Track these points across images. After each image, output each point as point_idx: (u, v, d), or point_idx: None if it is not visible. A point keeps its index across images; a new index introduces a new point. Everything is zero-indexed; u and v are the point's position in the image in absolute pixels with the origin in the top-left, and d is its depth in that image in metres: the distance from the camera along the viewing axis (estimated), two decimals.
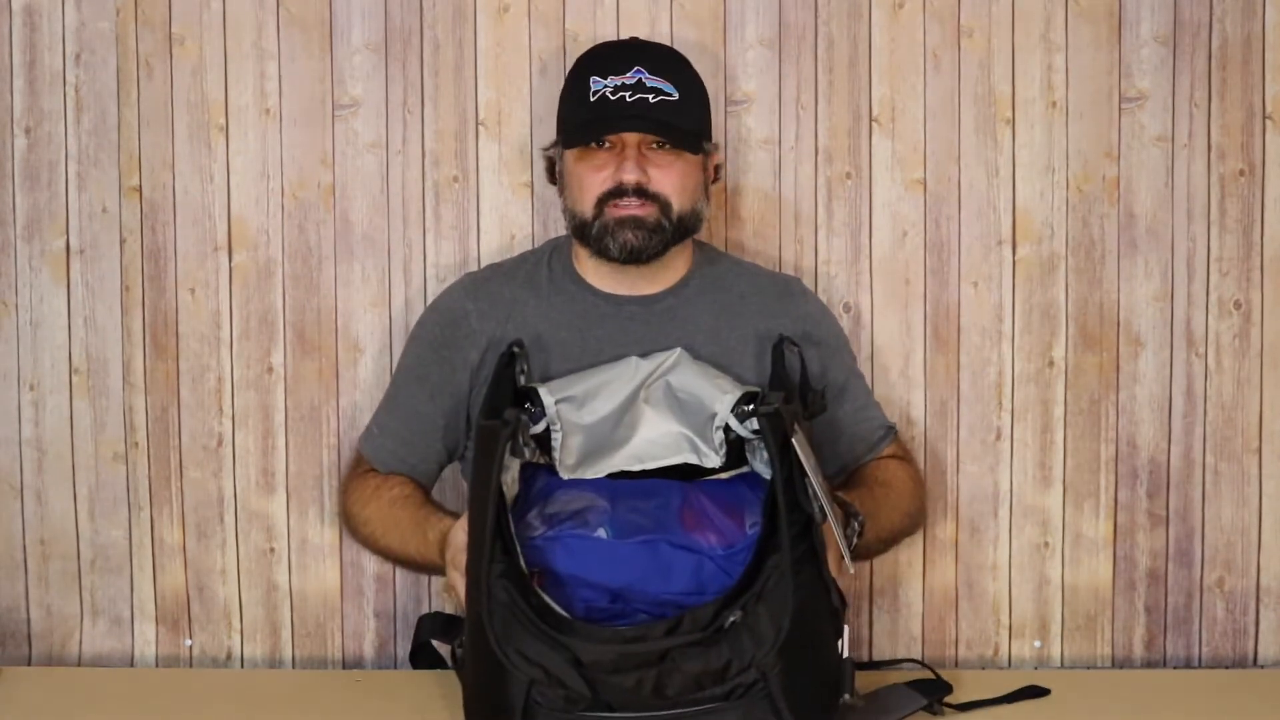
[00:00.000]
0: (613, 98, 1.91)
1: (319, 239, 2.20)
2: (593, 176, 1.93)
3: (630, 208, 1.91)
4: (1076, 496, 2.21)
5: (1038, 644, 2.22)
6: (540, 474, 1.81)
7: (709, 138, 1.99)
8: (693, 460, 1.80)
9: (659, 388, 1.83)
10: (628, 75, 1.93)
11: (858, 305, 2.20)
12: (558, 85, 2.16)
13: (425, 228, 2.20)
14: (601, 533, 1.73)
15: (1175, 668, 2.22)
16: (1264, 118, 2.18)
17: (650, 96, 1.91)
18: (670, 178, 1.92)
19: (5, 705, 1.93)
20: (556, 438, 1.80)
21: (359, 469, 2.06)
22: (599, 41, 2.14)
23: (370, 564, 2.22)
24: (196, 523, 2.22)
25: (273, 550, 2.22)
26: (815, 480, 1.66)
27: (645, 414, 1.81)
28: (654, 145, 1.92)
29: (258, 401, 2.21)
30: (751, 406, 1.77)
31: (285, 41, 2.19)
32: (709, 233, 2.18)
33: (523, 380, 1.86)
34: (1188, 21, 2.17)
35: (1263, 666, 2.22)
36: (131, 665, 2.23)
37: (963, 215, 2.19)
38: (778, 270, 2.16)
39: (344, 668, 2.23)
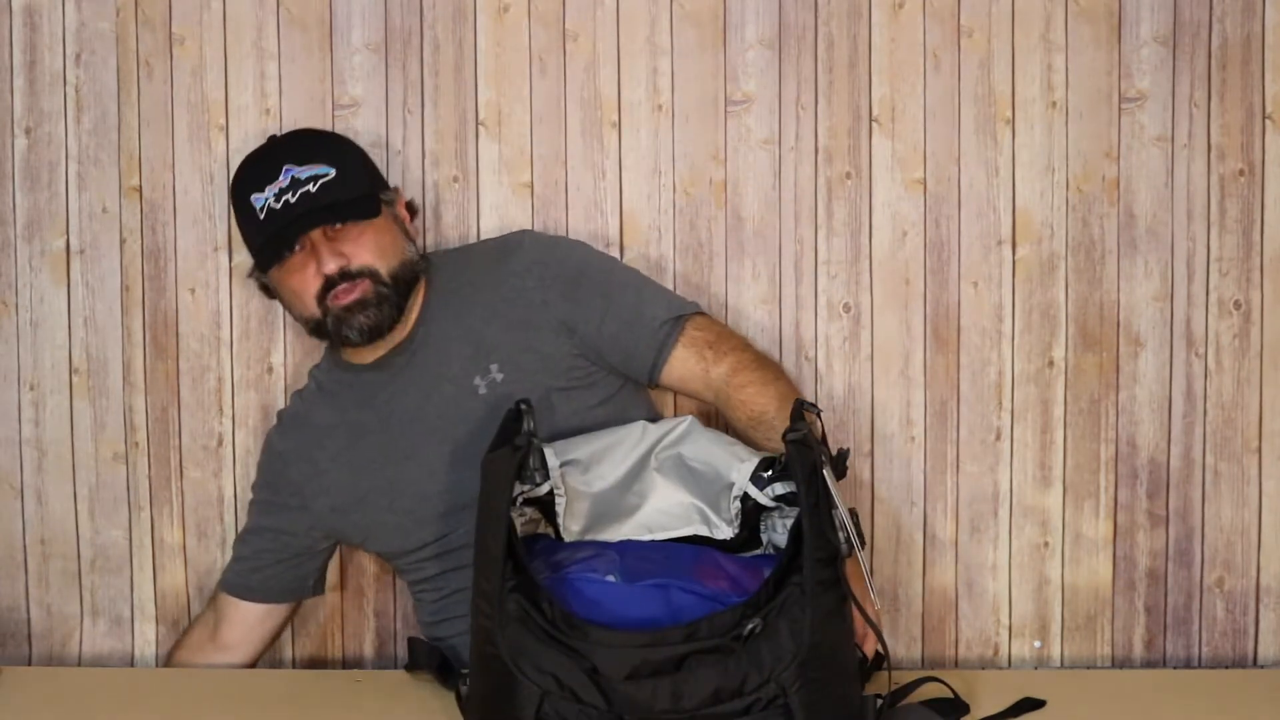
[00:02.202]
0: (277, 206, 1.94)
1: None
2: (300, 282, 1.97)
3: (347, 294, 1.95)
4: (1076, 496, 2.21)
5: (1038, 644, 2.22)
6: (542, 539, 1.80)
7: (384, 188, 2.03)
8: (703, 532, 1.78)
9: (671, 457, 1.81)
10: (280, 180, 1.95)
11: (858, 305, 2.20)
12: (558, 85, 2.17)
13: (425, 228, 2.19)
14: (611, 578, 1.68)
15: (1175, 668, 2.22)
16: (1264, 118, 2.18)
17: (310, 187, 1.94)
18: (365, 248, 1.96)
19: (5, 705, 1.92)
20: (560, 503, 1.78)
21: (200, 617, 2.17)
22: (601, 41, 2.15)
23: (370, 564, 2.22)
24: (196, 523, 2.22)
25: None
26: (844, 513, 1.65)
27: (656, 483, 1.80)
28: (335, 227, 1.95)
29: (258, 401, 2.21)
30: (771, 472, 1.76)
31: (285, 41, 2.19)
32: (708, 233, 2.18)
33: (530, 439, 1.77)
34: (1188, 21, 2.17)
35: (1263, 666, 2.22)
36: (131, 665, 2.23)
37: (963, 215, 2.19)
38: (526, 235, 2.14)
39: (344, 668, 2.22)
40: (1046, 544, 2.21)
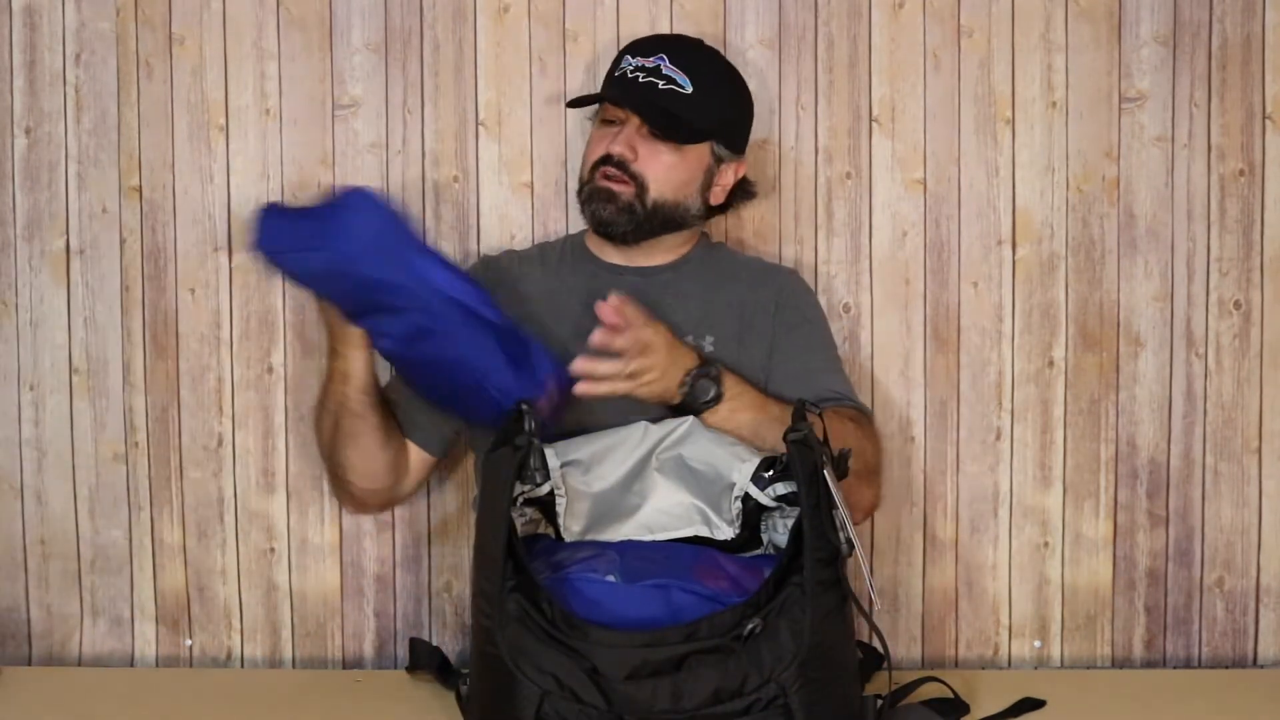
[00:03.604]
0: (629, 77, 1.98)
1: None
2: (597, 143, 2.01)
3: (610, 180, 1.98)
4: (1076, 496, 2.21)
5: (1038, 644, 2.22)
6: (542, 539, 1.80)
7: (725, 140, 2.03)
8: (704, 533, 1.78)
9: (672, 458, 1.81)
10: (649, 59, 1.98)
11: (858, 305, 2.20)
12: (558, 85, 2.17)
13: (425, 228, 2.19)
14: (611, 578, 1.68)
15: (1175, 668, 2.22)
16: (1264, 118, 2.18)
17: (660, 83, 1.97)
18: (656, 164, 1.98)
19: (5, 705, 1.93)
20: (561, 503, 1.78)
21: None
22: (601, 41, 2.15)
23: (370, 564, 2.22)
24: (196, 523, 2.22)
25: (273, 550, 2.22)
26: (844, 513, 1.65)
27: (657, 483, 1.80)
28: (652, 130, 1.98)
29: (258, 401, 2.21)
30: (772, 472, 1.76)
31: (285, 41, 2.19)
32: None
33: (530, 439, 1.75)
34: (1188, 21, 2.17)
35: (1262, 666, 2.22)
36: (131, 665, 2.23)
37: (963, 215, 2.19)
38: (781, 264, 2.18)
39: (344, 668, 2.22)
40: (1046, 544, 2.21)
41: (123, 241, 2.21)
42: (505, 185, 2.20)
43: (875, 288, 2.20)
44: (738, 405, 1.88)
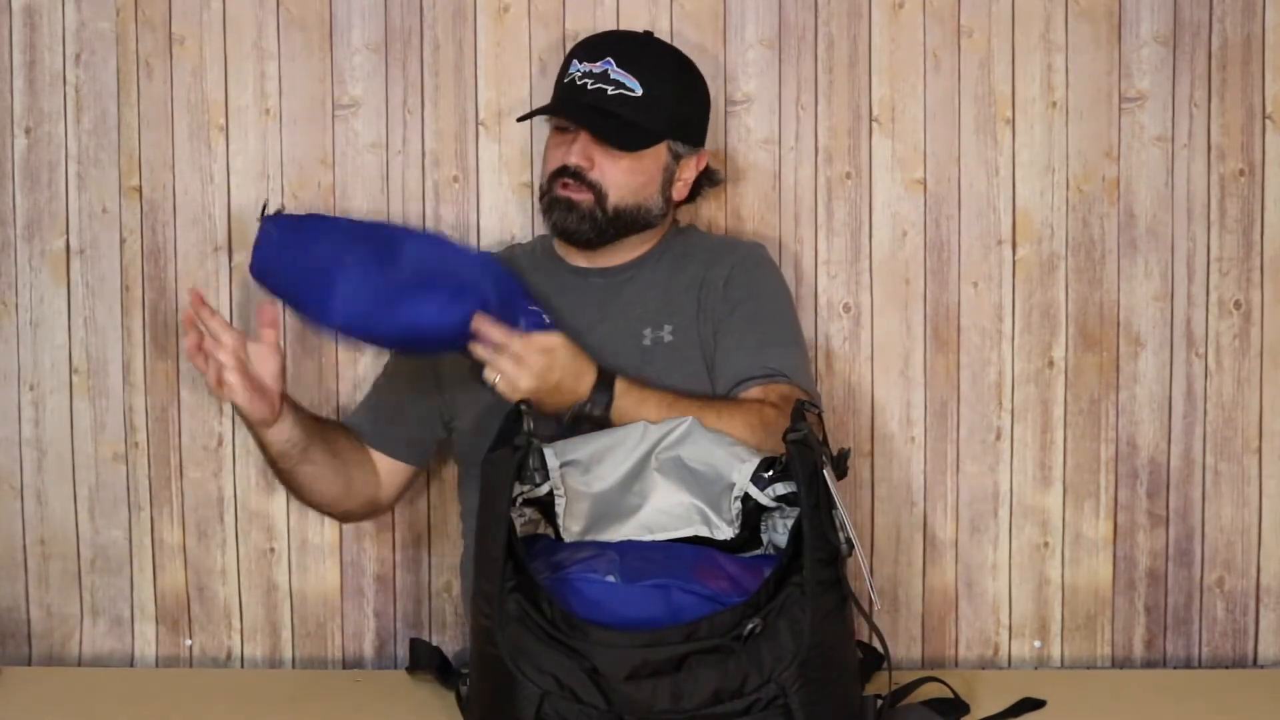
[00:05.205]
0: (578, 84, 1.97)
1: None
2: (554, 153, 2.01)
3: (569, 190, 1.98)
4: (1076, 496, 2.21)
5: (1038, 644, 2.22)
6: (541, 539, 1.80)
7: (681, 136, 2.01)
8: (704, 533, 1.78)
9: (671, 458, 1.81)
10: (596, 64, 1.97)
11: (858, 305, 2.20)
12: None
13: (425, 228, 2.19)
14: (611, 578, 1.68)
15: (1175, 668, 2.22)
16: (1264, 118, 2.18)
17: (610, 89, 1.96)
18: (612, 170, 1.97)
19: (5, 705, 1.93)
20: (560, 503, 1.78)
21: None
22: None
23: (370, 564, 2.22)
24: (196, 523, 2.22)
25: (273, 550, 2.22)
26: (844, 513, 1.65)
27: (657, 483, 1.79)
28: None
29: None
30: (771, 472, 1.76)
31: (285, 41, 2.19)
32: (710, 232, 2.18)
33: (529, 439, 1.74)
34: (1188, 21, 2.17)
35: (1262, 666, 2.22)
36: (131, 665, 2.23)
37: (963, 215, 2.19)
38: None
39: (344, 668, 2.23)
40: (1046, 544, 2.21)
41: (123, 241, 2.21)
42: (505, 185, 2.20)
43: (875, 288, 2.20)
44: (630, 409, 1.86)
